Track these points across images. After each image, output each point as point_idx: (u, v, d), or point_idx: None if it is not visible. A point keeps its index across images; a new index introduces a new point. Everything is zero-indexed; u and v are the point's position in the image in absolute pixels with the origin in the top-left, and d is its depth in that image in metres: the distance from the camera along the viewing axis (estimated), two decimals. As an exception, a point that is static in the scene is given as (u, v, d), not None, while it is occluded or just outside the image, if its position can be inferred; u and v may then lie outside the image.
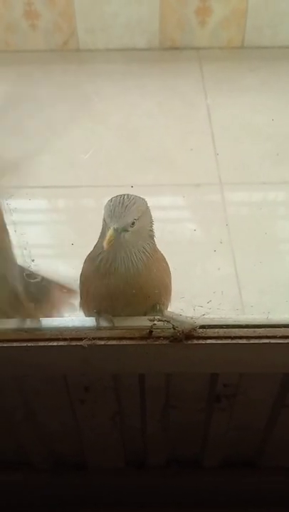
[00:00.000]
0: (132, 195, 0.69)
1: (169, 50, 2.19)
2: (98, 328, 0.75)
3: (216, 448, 0.98)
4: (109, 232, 0.66)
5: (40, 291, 0.81)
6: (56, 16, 2.09)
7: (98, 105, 2.01)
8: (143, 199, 0.71)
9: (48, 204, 1.75)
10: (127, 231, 0.67)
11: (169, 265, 0.77)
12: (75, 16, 2.08)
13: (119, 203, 0.67)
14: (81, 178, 1.75)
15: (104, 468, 1.04)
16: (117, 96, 2.05)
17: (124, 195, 0.69)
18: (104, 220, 0.69)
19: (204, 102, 2.02)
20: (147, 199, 1.94)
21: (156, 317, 0.73)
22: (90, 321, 0.76)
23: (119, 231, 0.66)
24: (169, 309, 0.76)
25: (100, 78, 2.11)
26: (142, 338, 0.73)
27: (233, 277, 1.32)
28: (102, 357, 0.75)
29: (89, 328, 0.75)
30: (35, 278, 0.76)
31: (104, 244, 0.66)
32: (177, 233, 1.54)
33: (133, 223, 0.67)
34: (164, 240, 1.45)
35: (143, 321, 0.74)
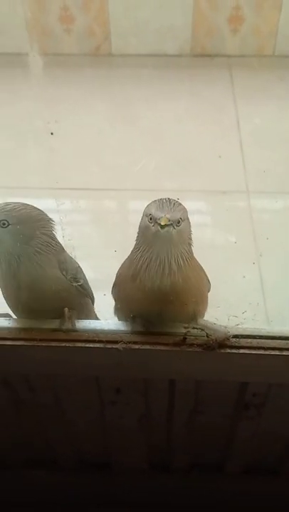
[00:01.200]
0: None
1: (200, 56, 2.21)
2: (132, 332, 0.77)
3: (240, 454, 0.99)
4: (164, 218, 0.67)
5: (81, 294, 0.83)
6: (90, 20, 2.12)
7: (128, 110, 2.04)
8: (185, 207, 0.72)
9: (74, 205, 1.77)
10: (174, 228, 0.68)
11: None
12: (108, 21, 2.11)
13: (166, 200, 0.70)
14: (109, 182, 1.77)
15: (128, 469, 1.06)
16: (147, 101, 2.08)
17: (168, 198, 0.71)
18: (146, 216, 0.70)
19: (233, 109, 2.03)
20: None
21: (190, 324, 0.75)
22: (125, 325, 0.78)
23: (170, 222, 0.67)
24: (204, 317, 0.78)
25: (131, 83, 2.13)
26: (175, 344, 0.74)
27: (259, 287, 1.33)
28: (135, 360, 0.77)
29: (124, 332, 0.77)
30: (78, 281, 0.79)
31: (162, 222, 0.67)
32: (203, 240, 1.55)
33: (179, 222, 0.69)
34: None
35: (177, 328, 0.76)
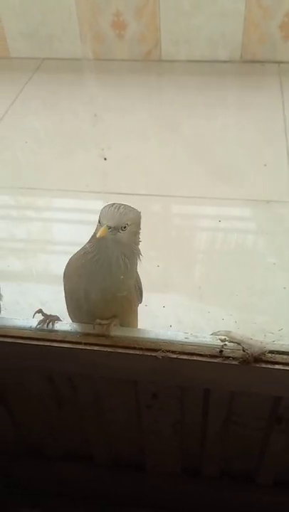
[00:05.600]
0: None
1: (250, 63, 2.21)
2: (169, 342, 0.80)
3: (271, 466, 1.00)
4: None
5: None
6: (142, 26, 2.16)
7: (175, 116, 2.06)
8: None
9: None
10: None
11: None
12: (160, 27, 2.14)
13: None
14: (151, 187, 1.80)
15: (161, 472, 1.09)
16: (194, 107, 2.09)
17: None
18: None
19: (282, 116, 2.01)
20: (216, 211, 1.96)
21: (227, 337, 0.77)
22: (164, 334, 0.81)
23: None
24: (240, 331, 0.79)
25: (180, 89, 2.15)
26: (212, 356, 0.77)
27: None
28: (172, 369, 0.80)
29: (163, 341, 0.80)
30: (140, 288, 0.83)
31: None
32: (245, 248, 1.55)
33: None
34: (231, 254, 1.47)
35: (214, 340, 0.78)
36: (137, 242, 0.77)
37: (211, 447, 1.00)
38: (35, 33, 2.28)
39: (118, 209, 0.73)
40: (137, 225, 0.76)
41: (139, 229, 0.77)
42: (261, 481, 1.04)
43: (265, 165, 1.80)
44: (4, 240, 1.63)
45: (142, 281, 0.83)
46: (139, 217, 0.76)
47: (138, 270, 0.80)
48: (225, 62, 2.20)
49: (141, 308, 0.85)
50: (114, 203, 0.74)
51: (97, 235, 0.71)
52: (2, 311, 0.92)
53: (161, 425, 0.96)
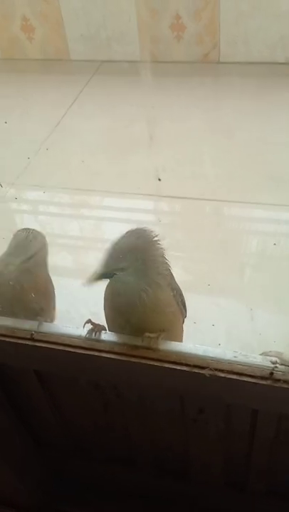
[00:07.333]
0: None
1: (311, 64, 2.14)
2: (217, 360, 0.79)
3: None
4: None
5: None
6: (201, 28, 2.14)
7: (232, 118, 2.03)
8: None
9: (167, 212, 1.81)
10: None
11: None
12: (219, 29, 2.12)
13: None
14: (203, 191, 1.79)
15: (204, 483, 1.09)
16: (251, 110, 2.06)
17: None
18: None
19: None
20: (269, 217, 1.92)
21: (278, 359, 0.75)
22: (213, 351, 0.80)
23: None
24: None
25: (236, 91, 2.12)
26: (262, 377, 0.75)
27: None
28: (220, 387, 0.79)
29: (212, 358, 0.79)
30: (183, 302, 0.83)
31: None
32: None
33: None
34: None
35: (264, 361, 0.76)
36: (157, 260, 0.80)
37: (258, 464, 0.98)
38: (95, 36, 2.32)
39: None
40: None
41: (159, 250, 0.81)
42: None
43: None
44: (60, 237, 1.67)
45: (193, 298, 0.84)
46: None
47: (186, 286, 0.81)
48: (283, 64, 2.15)
49: (189, 326, 0.85)
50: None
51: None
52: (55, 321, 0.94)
53: (208, 439, 0.95)
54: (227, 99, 2.11)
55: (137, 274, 0.79)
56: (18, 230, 0.93)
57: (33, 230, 0.94)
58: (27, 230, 0.93)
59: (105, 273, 0.79)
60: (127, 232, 0.80)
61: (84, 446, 1.13)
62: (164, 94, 2.17)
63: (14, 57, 2.49)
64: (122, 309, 0.82)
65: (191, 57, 2.23)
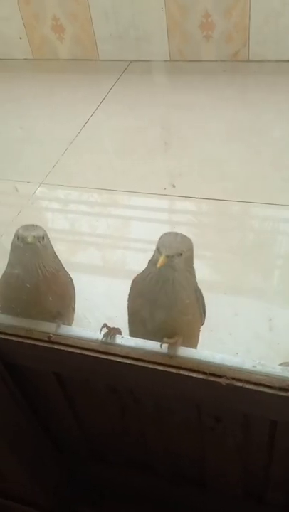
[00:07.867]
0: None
1: None
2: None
3: None
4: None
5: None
6: (231, 27, 2.11)
7: (261, 117, 1.99)
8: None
9: (193, 212, 1.78)
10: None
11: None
12: (249, 27, 2.08)
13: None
14: (229, 192, 1.75)
15: (222, 492, 1.07)
16: (281, 109, 2.01)
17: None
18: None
19: None
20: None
21: (298, 371, 0.73)
22: (231, 360, 0.78)
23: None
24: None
25: (266, 90, 2.08)
26: (280, 388, 0.73)
27: None
28: (237, 397, 0.77)
29: (229, 367, 0.77)
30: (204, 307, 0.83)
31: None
32: None
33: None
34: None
35: (284, 372, 0.74)
36: (191, 266, 0.84)
37: (276, 475, 0.96)
38: (125, 35, 2.31)
39: (175, 238, 0.81)
40: (191, 250, 0.83)
41: (193, 253, 0.84)
42: None
43: None
44: (88, 235, 1.67)
45: (213, 308, 0.83)
46: (192, 244, 0.83)
47: (208, 294, 0.81)
48: (315, 62, 2.09)
49: (206, 334, 0.83)
50: (171, 232, 0.82)
51: (158, 265, 0.79)
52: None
53: (225, 448, 0.93)
54: (257, 98, 2.07)
55: (181, 270, 0.81)
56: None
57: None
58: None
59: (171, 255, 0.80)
60: (169, 233, 0.83)
61: (101, 449, 1.13)
62: (193, 93, 2.14)
63: (45, 57, 2.51)
64: (153, 298, 0.82)
65: (220, 55, 2.20)
